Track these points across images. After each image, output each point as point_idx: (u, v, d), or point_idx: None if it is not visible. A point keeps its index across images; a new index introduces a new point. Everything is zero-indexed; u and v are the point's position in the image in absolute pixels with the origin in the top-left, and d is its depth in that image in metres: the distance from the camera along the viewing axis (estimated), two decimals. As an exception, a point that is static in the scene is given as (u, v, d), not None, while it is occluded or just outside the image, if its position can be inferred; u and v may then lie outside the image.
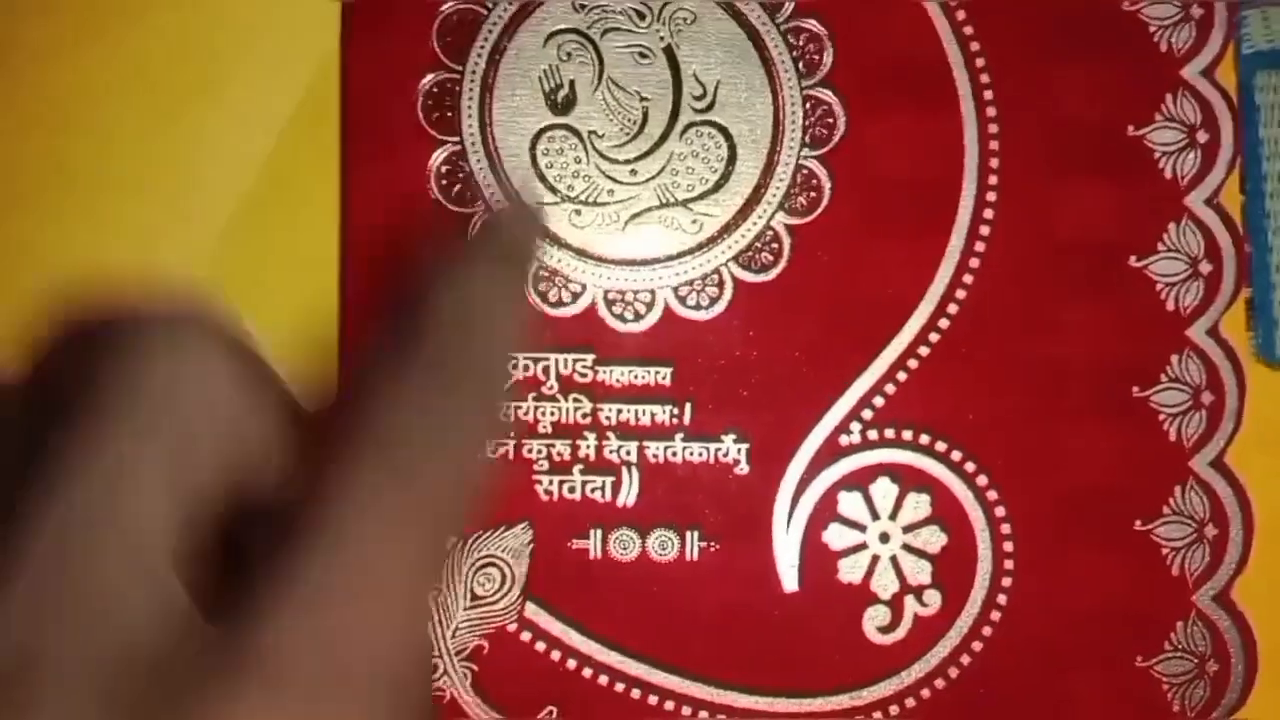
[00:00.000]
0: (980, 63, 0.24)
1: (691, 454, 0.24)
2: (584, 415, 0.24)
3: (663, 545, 0.23)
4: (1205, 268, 0.24)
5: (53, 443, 0.17)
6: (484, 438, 0.16)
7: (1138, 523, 0.24)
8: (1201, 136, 0.24)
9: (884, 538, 0.24)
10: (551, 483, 0.23)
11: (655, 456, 0.24)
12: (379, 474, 0.14)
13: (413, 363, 0.16)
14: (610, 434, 0.24)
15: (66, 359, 0.17)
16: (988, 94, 0.24)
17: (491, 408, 0.17)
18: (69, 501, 0.16)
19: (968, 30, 0.24)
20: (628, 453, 0.24)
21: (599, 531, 0.23)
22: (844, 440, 0.24)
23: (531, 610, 0.23)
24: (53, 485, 0.16)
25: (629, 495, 0.23)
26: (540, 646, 0.23)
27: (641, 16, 0.24)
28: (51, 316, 0.21)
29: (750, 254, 0.24)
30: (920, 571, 0.24)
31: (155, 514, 0.16)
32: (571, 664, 0.23)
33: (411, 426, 0.14)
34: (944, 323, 0.24)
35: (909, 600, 0.23)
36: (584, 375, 0.24)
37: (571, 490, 0.23)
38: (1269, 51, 0.25)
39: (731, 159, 0.24)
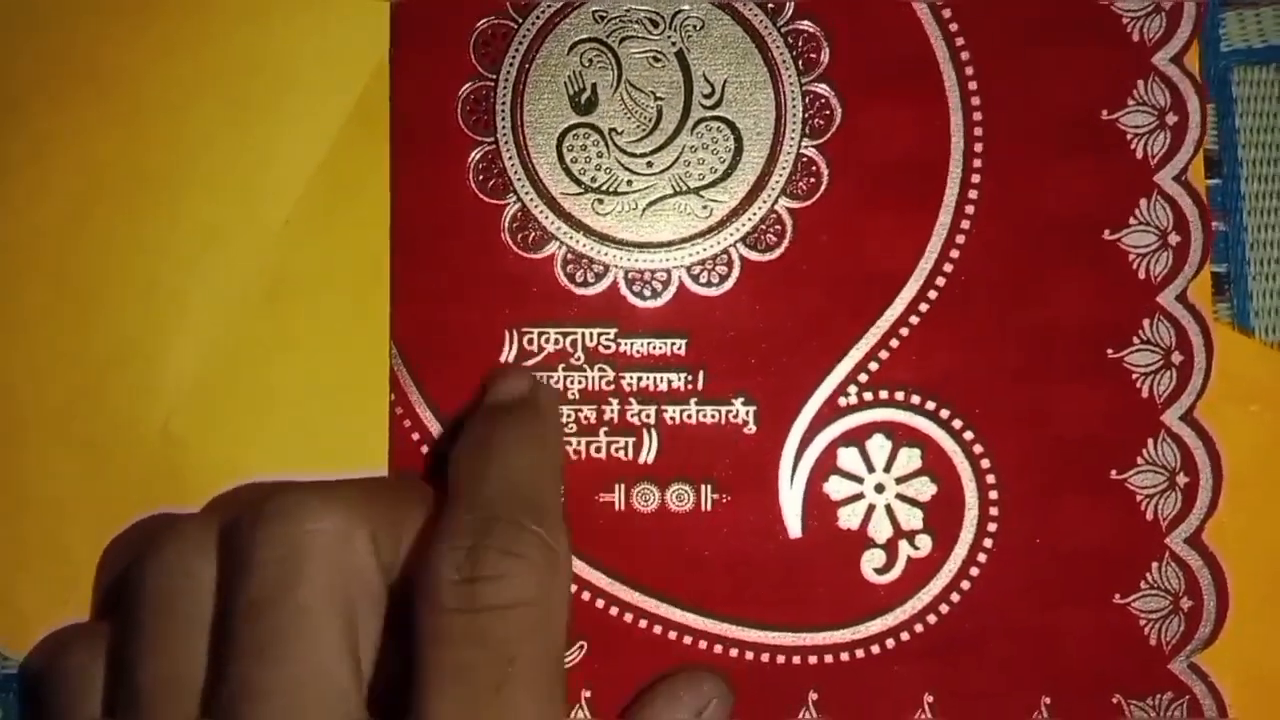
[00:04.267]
0: (965, 56, 0.26)
1: (705, 416, 0.26)
2: (608, 383, 0.26)
3: (679, 498, 0.26)
4: (1174, 239, 0.26)
5: (242, 598, 0.20)
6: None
7: (1114, 472, 0.26)
8: (1171, 119, 0.26)
9: (879, 488, 0.26)
10: (579, 444, 0.26)
11: (672, 419, 0.26)
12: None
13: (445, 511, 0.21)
14: (632, 399, 0.26)
15: (240, 524, 0.21)
16: (972, 85, 0.26)
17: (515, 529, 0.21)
18: (275, 656, 0.19)
19: (953, 27, 0.26)
20: (647, 416, 0.26)
21: (622, 486, 0.26)
22: (842, 401, 0.26)
23: (564, 558, 0.26)
24: (257, 639, 0.20)
25: (649, 454, 0.26)
26: (572, 588, 0.25)
27: (655, 25, 0.26)
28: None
29: (756, 235, 0.26)
30: (912, 518, 0.26)
31: (341, 667, 0.20)
32: (600, 604, 0.25)
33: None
34: (933, 294, 0.26)
35: (902, 544, 0.26)
36: (608, 347, 0.26)
37: (597, 450, 0.26)
38: (1245, 49, 0.27)
39: (738, 150, 0.26)
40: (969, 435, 0.26)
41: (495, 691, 0.19)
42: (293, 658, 0.19)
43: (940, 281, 0.26)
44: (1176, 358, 0.26)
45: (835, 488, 0.26)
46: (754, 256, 0.26)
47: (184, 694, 0.21)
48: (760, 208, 0.26)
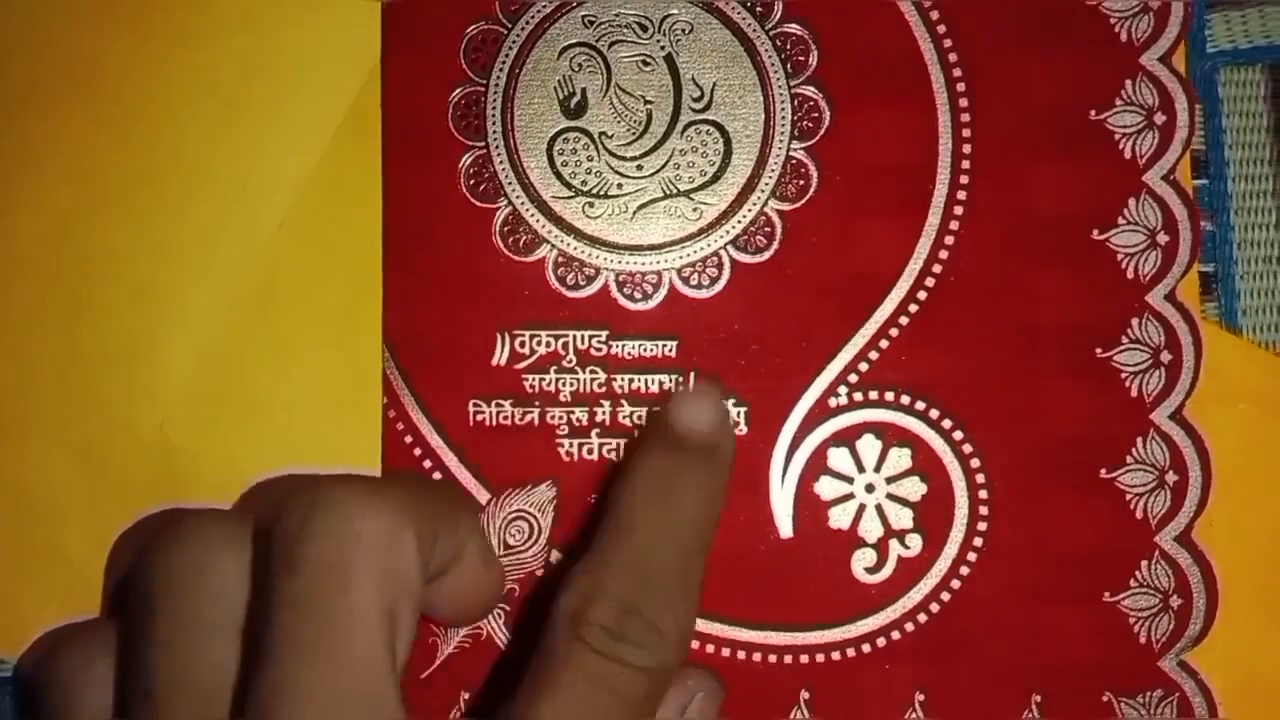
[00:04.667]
0: (953, 58, 0.26)
1: (696, 417, 0.26)
2: (600, 385, 0.26)
3: (672, 498, 0.26)
4: (1162, 239, 0.26)
5: (285, 596, 0.20)
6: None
7: (1103, 471, 0.26)
8: (1159, 119, 0.26)
9: (869, 488, 0.26)
10: (572, 445, 0.26)
11: (664, 420, 0.26)
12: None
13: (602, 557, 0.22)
14: (624, 401, 0.26)
15: (286, 518, 0.21)
16: (960, 86, 0.26)
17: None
18: (318, 656, 0.19)
19: (941, 29, 0.26)
20: (639, 418, 0.26)
21: (615, 487, 0.26)
22: (833, 402, 0.26)
23: (556, 558, 0.26)
24: (300, 638, 0.20)
25: (641, 455, 0.26)
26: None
27: (644, 29, 0.27)
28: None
29: (746, 238, 0.26)
30: (903, 518, 0.26)
31: (384, 670, 0.20)
32: (593, 604, 0.26)
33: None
34: (922, 295, 0.26)
35: (893, 544, 0.26)
36: (599, 349, 0.26)
37: (590, 452, 0.26)
38: (1231, 50, 0.27)
39: (728, 153, 0.26)
40: (959, 435, 0.26)
41: None
42: (337, 659, 0.19)
43: (930, 282, 0.26)
44: (1165, 357, 0.26)
45: (826, 488, 0.26)
46: (744, 258, 0.26)
47: (199, 695, 0.21)
48: (750, 210, 0.26)
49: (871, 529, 0.26)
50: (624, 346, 0.26)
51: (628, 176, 0.26)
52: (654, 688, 0.22)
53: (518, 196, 0.26)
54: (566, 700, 0.21)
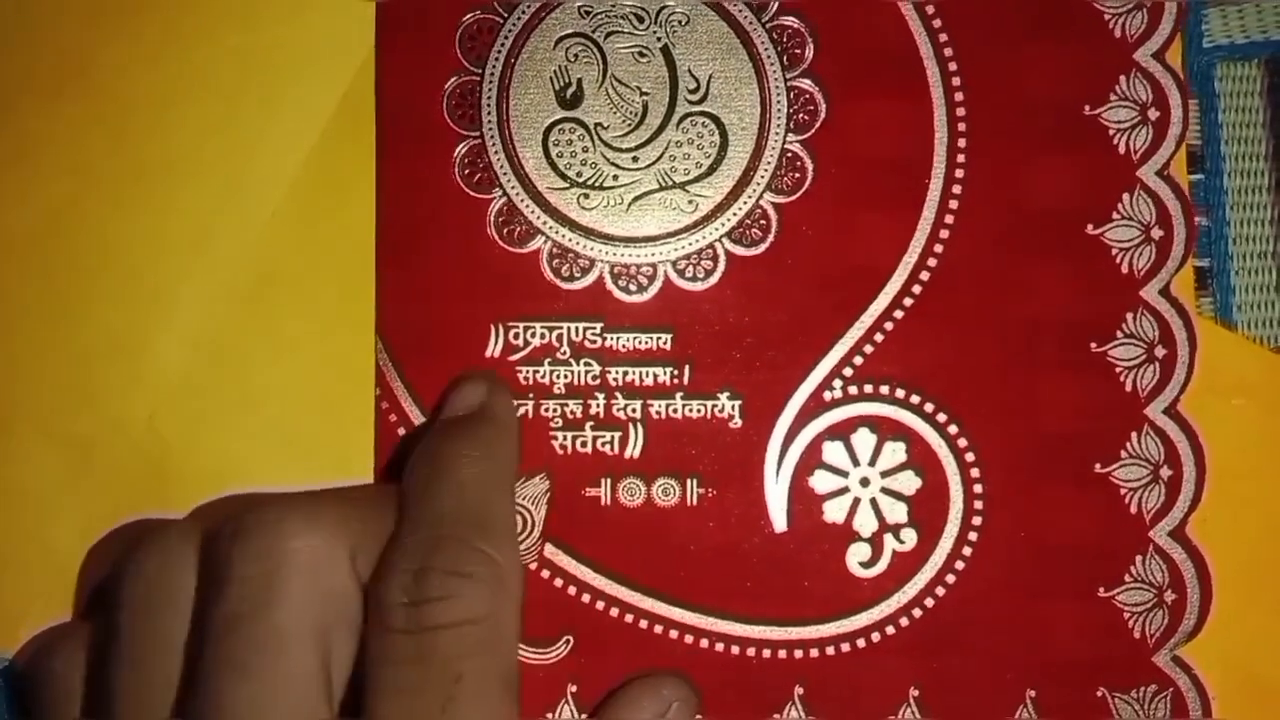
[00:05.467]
0: (949, 52, 0.26)
1: (690, 410, 0.26)
2: (594, 377, 0.26)
3: (665, 492, 0.26)
4: (1157, 233, 0.26)
5: (218, 613, 0.20)
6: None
7: (1097, 466, 0.26)
8: (1153, 114, 0.26)
9: (864, 482, 0.26)
10: (566, 438, 0.26)
11: (658, 413, 0.26)
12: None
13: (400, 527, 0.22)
14: (618, 393, 0.26)
15: (221, 536, 0.21)
16: (955, 80, 0.26)
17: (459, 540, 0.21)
18: (247, 671, 0.19)
19: (936, 23, 0.26)
20: (633, 410, 0.26)
21: (609, 480, 0.26)
22: (827, 395, 0.26)
23: (550, 551, 0.25)
24: (230, 653, 0.20)
25: (635, 448, 0.26)
26: (558, 583, 0.25)
27: (640, 20, 0.27)
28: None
29: (741, 230, 0.26)
30: (897, 512, 0.26)
31: (313, 685, 0.20)
32: (586, 598, 0.25)
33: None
34: (917, 288, 0.26)
35: (888, 538, 0.26)
36: (594, 341, 0.26)
37: (584, 444, 0.26)
38: (1227, 45, 0.27)
39: (723, 145, 0.26)
40: (954, 429, 0.26)
41: (441, 710, 0.20)
42: (265, 674, 0.19)
43: (924, 276, 0.26)
44: (1160, 351, 0.26)
45: (820, 481, 0.26)
46: (739, 251, 0.26)
47: (156, 703, 0.21)
48: (745, 203, 0.26)
49: (866, 523, 0.26)
50: (618, 339, 0.26)
51: (623, 168, 0.26)
52: (487, 635, 0.20)
53: (512, 187, 0.26)
54: (386, 700, 0.20)
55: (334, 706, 0.20)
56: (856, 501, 0.26)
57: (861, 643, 0.25)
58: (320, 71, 0.26)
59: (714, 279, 0.26)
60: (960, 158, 0.26)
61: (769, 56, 0.27)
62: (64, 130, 0.26)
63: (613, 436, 0.26)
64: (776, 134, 0.26)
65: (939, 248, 0.26)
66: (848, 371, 0.26)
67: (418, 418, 0.26)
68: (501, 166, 0.26)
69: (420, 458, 0.23)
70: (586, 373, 0.26)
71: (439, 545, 0.21)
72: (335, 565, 0.21)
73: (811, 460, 0.26)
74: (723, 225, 0.26)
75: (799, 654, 0.25)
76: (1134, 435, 0.26)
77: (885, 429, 0.26)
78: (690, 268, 0.26)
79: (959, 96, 0.26)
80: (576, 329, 0.26)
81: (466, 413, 0.24)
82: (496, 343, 0.26)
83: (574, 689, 0.25)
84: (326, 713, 0.20)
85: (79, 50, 0.26)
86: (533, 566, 0.26)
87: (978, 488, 0.26)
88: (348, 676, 0.21)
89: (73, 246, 0.26)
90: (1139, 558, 0.26)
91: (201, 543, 0.22)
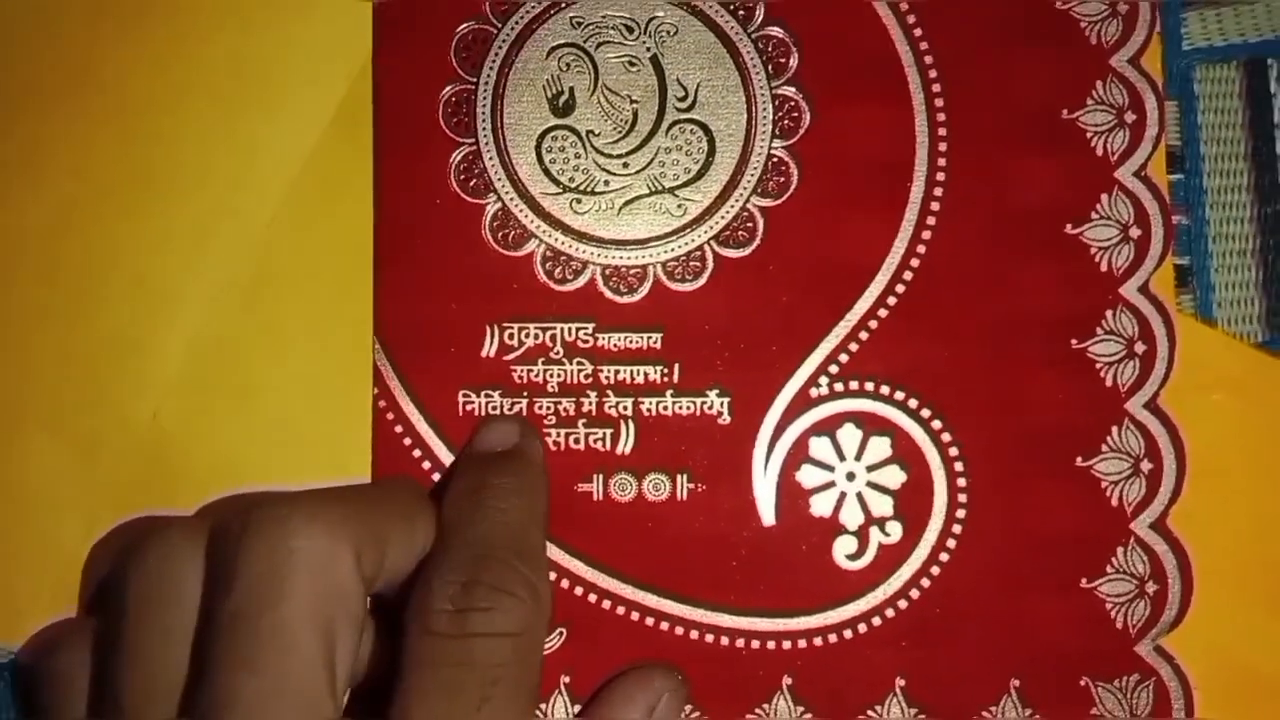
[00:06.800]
0: (929, 59, 0.27)
1: (680, 408, 0.26)
2: (586, 376, 0.27)
3: (656, 487, 0.26)
4: (1135, 233, 0.27)
5: (224, 610, 0.21)
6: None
7: (1079, 460, 0.26)
8: (1129, 117, 0.27)
9: (850, 476, 0.26)
10: (559, 435, 0.26)
11: (649, 411, 0.26)
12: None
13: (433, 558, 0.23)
14: (609, 392, 0.27)
15: (227, 534, 0.22)
16: (936, 87, 0.27)
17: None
18: (252, 667, 0.20)
19: (917, 33, 0.27)
20: (625, 408, 0.27)
21: (601, 476, 0.26)
22: (814, 392, 0.27)
23: (543, 546, 0.26)
24: (236, 650, 0.20)
25: (626, 445, 0.26)
26: (552, 576, 0.26)
27: (630, 30, 0.27)
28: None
29: (729, 233, 0.27)
30: (883, 505, 0.26)
31: (318, 680, 0.20)
32: (579, 591, 0.26)
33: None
34: (901, 288, 0.27)
35: (873, 531, 0.26)
36: (586, 342, 0.27)
37: (576, 441, 0.26)
38: (1206, 48, 0.28)
39: (711, 151, 0.27)
40: (937, 424, 0.26)
41: (476, 709, 0.21)
42: (271, 669, 0.20)
43: (908, 276, 0.27)
44: (1139, 347, 0.26)
45: (807, 476, 0.26)
46: (727, 253, 0.27)
47: (161, 698, 0.21)
48: (733, 206, 0.27)
49: (852, 517, 0.26)
50: (610, 339, 0.27)
51: (614, 174, 0.27)
52: (522, 649, 0.22)
53: (507, 192, 0.27)
54: (429, 692, 0.21)
55: (340, 700, 0.21)
56: (843, 496, 0.26)
57: (848, 634, 0.26)
58: (319, 76, 0.27)
59: (703, 280, 0.27)
60: (941, 161, 0.27)
61: (754, 65, 0.27)
62: (68, 134, 0.27)
63: (605, 434, 0.26)
64: (762, 140, 0.27)
65: (921, 248, 0.27)
66: (833, 369, 0.27)
67: (414, 416, 0.26)
68: (496, 173, 0.27)
69: (463, 486, 0.24)
70: (579, 371, 0.27)
71: (485, 563, 0.22)
72: (339, 563, 0.21)
73: (799, 455, 0.26)
74: (711, 228, 0.27)
75: (787, 645, 0.26)
76: (1115, 429, 0.26)
77: (870, 424, 0.26)
78: (679, 269, 0.27)
79: (939, 102, 0.27)
80: (569, 329, 0.27)
81: (504, 449, 0.26)
82: (491, 343, 0.27)
83: (567, 680, 0.26)
84: (331, 707, 0.20)
85: (81, 56, 0.27)
86: (527, 560, 0.26)
87: (961, 481, 0.26)
88: (350, 674, 0.21)
89: (77, 248, 0.27)
90: (1120, 549, 0.26)
91: (207, 540, 0.22)
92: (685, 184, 0.27)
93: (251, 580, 0.21)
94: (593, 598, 0.26)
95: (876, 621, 0.26)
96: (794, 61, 0.27)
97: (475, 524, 0.23)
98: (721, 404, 0.26)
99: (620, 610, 0.26)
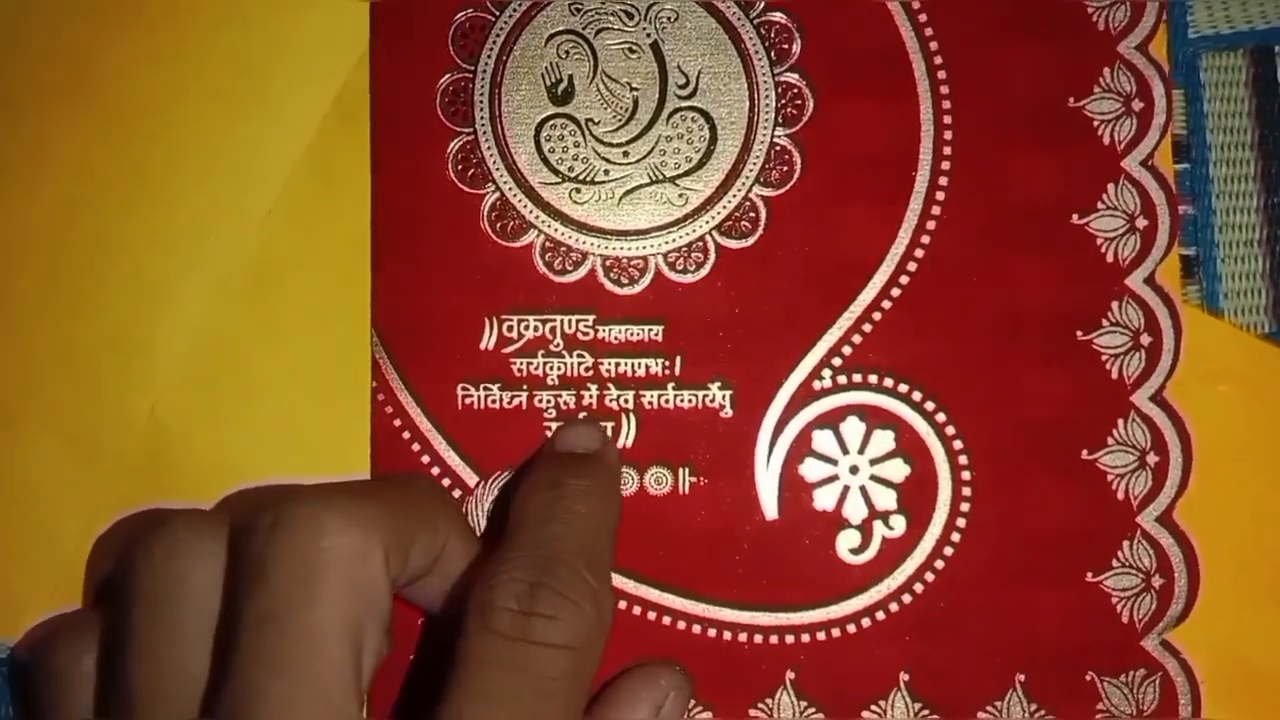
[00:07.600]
0: (934, 46, 0.27)
1: (682, 400, 0.26)
2: (586, 369, 0.26)
3: (658, 480, 0.26)
4: (1141, 223, 0.26)
5: (252, 608, 0.20)
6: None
7: (1084, 452, 0.26)
8: (1137, 105, 0.27)
9: (853, 470, 0.26)
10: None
11: (650, 404, 0.26)
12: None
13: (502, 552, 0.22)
14: (610, 384, 0.26)
15: (255, 531, 0.21)
16: (941, 74, 0.27)
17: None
18: (280, 668, 0.20)
19: (923, 18, 0.27)
20: (626, 401, 0.26)
21: (602, 470, 0.26)
22: (817, 385, 0.26)
23: (544, 540, 0.26)
24: (264, 650, 0.20)
25: (628, 438, 0.26)
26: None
27: (630, 17, 0.27)
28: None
29: (731, 223, 0.27)
30: (886, 499, 0.26)
31: (345, 683, 0.20)
32: (580, 586, 0.26)
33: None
34: (904, 279, 0.26)
35: (877, 524, 0.26)
36: (586, 334, 0.26)
37: (577, 434, 0.26)
38: (1213, 35, 0.27)
39: (713, 139, 0.27)
40: (941, 417, 0.26)
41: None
42: (298, 672, 0.20)
43: (912, 266, 0.26)
44: (1145, 339, 0.26)
45: (810, 470, 0.26)
46: (729, 244, 0.27)
47: (174, 699, 0.21)
48: (735, 196, 0.27)
49: (856, 510, 0.26)
50: (610, 331, 0.26)
51: (614, 163, 0.27)
52: (579, 664, 0.21)
53: (505, 182, 0.27)
54: (484, 694, 0.20)
55: (362, 702, 0.21)
56: (846, 489, 0.26)
57: (852, 628, 0.26)
58: (316, 69, 0.26)
59: (704, 271, 0.26)
60: (946, 150, 0.27)
61: (757, 52, 0.27)
62: (64, 129, 0.27)
63: (606, 427, 0.26)
64: (765, 128, 0.27)
65: (926, 239, 0.26)
66: (837, 361, 0.26)
67: (413, 410, 0.26)
68: (494, 162, 0.27)
69: (540, 481, 0.24)
70: (579, 364, 0.26)
71: (554, 566, 0.22)
72: (369, 562, 0.21)
73: (801, 449, 0.26)
74: (713, 218, 0.27)
75: (790, 639, 0.26)
76: (1120, 422, 0.26)
77: (874, 417, 0.26)
78: (681, 260, 0.27)
79: (945, 90, 0.27)
80: (569, 321, 0.26)
81: (584, 452, 0.25)
82: (490, 335, 0.26)
83: (568, 675, 0.25)
84: (356, 710, 0.20)
85: (80, 52, 0.27)
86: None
87: (966, 474, 0.26)
88: (374, 672, 0.21)
89: (75, 243, 0.26)
90: (1126, 543, 0.26)
91: (230, 535, 0.22)
92: (686, 173, 0.27)
93: (282, 579, 0.20)
94: (594, 592, 0.26)
95: (880, 616, 0.26)
96: (797, 48, 0.27)
97: (548, 522, 0.23)
98: (724, 397, 0.26)
99: (622, 605, 0.26)
